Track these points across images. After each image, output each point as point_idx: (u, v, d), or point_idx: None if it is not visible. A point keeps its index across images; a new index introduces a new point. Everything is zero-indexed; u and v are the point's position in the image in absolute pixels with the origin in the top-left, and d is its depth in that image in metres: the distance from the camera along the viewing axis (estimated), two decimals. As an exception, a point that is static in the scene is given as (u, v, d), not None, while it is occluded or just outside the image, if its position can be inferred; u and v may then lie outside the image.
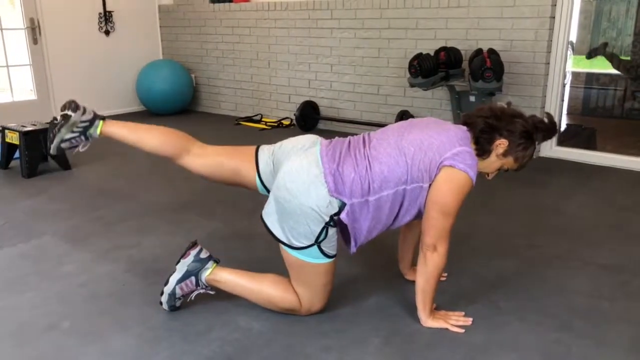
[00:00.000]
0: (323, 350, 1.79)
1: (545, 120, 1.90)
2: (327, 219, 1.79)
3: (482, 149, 1.87)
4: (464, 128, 1.89)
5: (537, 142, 1.90)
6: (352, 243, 1.89)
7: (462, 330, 1.88)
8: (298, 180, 1.81)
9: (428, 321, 1.91)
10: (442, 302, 2.07)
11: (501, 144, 1.86)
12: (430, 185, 1.81)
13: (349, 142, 1.92)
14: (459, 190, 1.79)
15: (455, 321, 1.92)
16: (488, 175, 1.97)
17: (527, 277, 2.31)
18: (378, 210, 1.83)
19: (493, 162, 1.90)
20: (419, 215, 1.91)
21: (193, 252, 1.98)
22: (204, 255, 1.98)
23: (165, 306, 1.98)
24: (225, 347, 1.81)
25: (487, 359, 1.74)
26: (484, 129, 1.86)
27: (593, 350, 1.79)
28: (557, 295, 2.15)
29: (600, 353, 1.78)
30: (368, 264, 2.44)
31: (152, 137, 2.12)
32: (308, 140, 1.96)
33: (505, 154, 1.88)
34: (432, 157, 1.79)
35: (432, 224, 1.81)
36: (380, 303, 2.09)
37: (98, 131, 2.05)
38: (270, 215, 1.89)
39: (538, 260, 2.47)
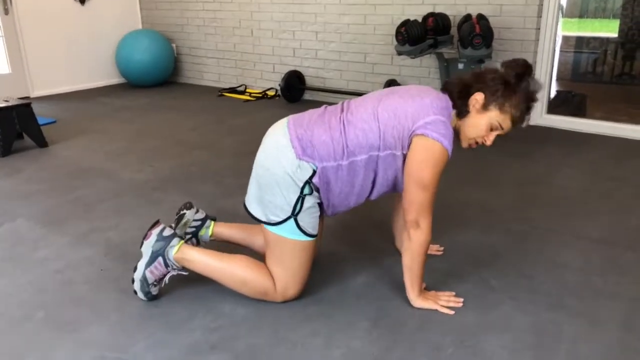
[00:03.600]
0: (310, 335, 1.73)
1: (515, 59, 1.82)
2: (301, 184, 1.75)
3: (460, 110, 1.80)
4: (445, 97, 1.82)
5: (517, 86, 1.75)
6: (326, 204, 1.84)
7: (452, 312, 1.83)
8: (268, 154, 1.81)
9: (417, 301, 1.85)
10: (431, 280, 2.01)
11: (477, 99, 1.78)
12: (404, 155, 1.76)
13: (325, 109, 1.90)
14: (434, 162, 1.72)
15: (446, 302, 1.86)
16: (485, 140, 1.83)
17: (518, 252, 2.25)
18: (351, 174, 1.79)
19: (478, 120, 1.79)
20: (398, 187, 1.86)
21: (155, 232, 1.89)
22: (167, 233, 1.89)
23: (140, 295, 1.89)
24: (208, 334, 1.74)
25: (479, 342, 1.69)
26: (459, 89, 1.80)
27: (586, 329, 1.75)
28: (548, 272, 2.10)
29: (593, 331, 1.74)
30: (354, 241, 2.37)
31: (260, 236, 2.07)
32: (279, 121, 1.92)
33: (484, 107, 1.77)
34: (404, 125, 1.73)
35: (411, 199, 1.75)
36: (369, 283, 2.03)
37: (210, 232, 2.10)
38: (249, 197, 1.90)
39: (529, 234, 2.42)
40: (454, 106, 1.81)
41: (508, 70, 1.78)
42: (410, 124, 1.73)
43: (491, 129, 1.81)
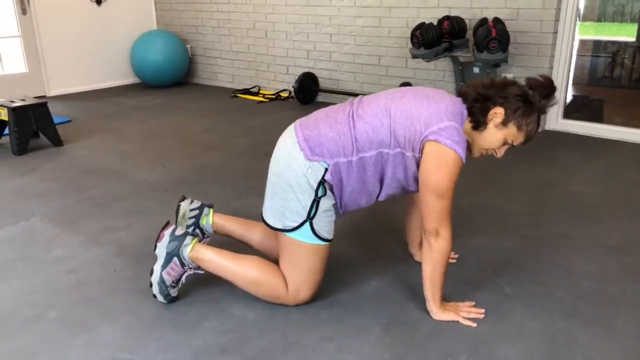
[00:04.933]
0: (321, 340, 1.72)
1: (540, 78, 1.78)
2: (315, 185, 1.74)
3: (477, 121, 1.76)
4: (459, 102, 1.79)
5: (537, 106, 1.75)
6: (338, 204, 1.82)
7: (475, 325, 1.78)
8: (279, 161, 1.81)
9: (438, 313, 1.81)
10: (445, 288, 1.98)
11: (497, 113, 1.74)
12: (415, 157, 1.74)
13: (331, 107, 1.88)
14: (449, 169, 1.69)
15: (467, 313, 1.82)
16: (496, 153, 1.83)
17: (533, 259, 2.22)
18: (361, 170, 1.77)
19: (494, 135, 1.77)
20: (407, 188, 1.84)
21: (167, 232, 1.89)
22: (179, 232, 1.89)
23: (160, 298, 1.88)
24: (219, 337, 1.73)
25: (492, 350, 1.67)
26: (476, 98, 1.76)
27: (602, 337, 1.72)
28: (563, 279, 2.06)
29: (609, 340, 1.70)
30: (368, 246, 2.35)
31: (258, 232, 2.09)
32: (287, 128, 1.91)
33: (504, 123, 1.75)
34: (417, 127, 1.71)
35: (428, 208, 1.73)
36: (381, 288, 2.01)
37: (211, 220, 2.09)
38: (265, 206, 1.89)
39: (543, 240, 2.38)
40: (469, 114, 1.78)
41: (534, 92, 1.74)
42: (422, 127, 1.70)
43: (504, 143, 1.81)
